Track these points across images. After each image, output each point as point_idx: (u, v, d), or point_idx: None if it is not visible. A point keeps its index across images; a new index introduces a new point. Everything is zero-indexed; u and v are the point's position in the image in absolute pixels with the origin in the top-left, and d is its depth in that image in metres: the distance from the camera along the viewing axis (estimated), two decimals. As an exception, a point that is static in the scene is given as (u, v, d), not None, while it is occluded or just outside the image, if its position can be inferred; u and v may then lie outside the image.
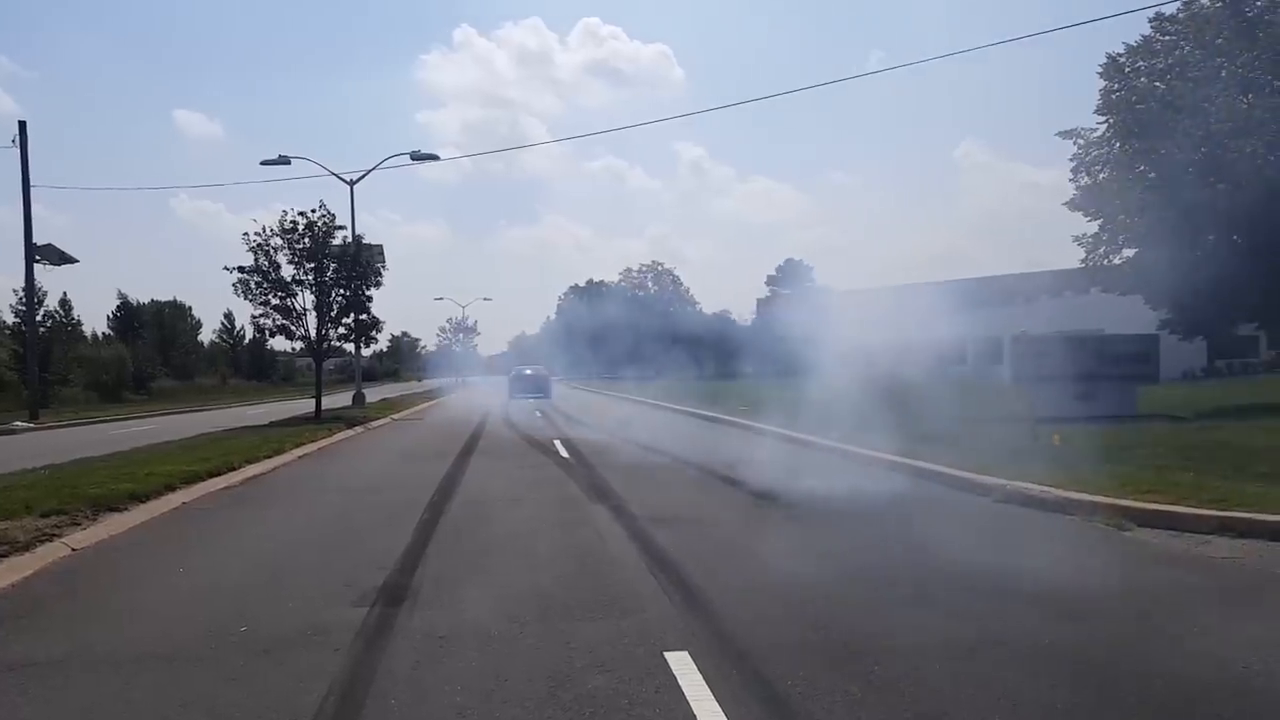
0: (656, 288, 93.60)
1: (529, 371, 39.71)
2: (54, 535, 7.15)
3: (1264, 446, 10.11)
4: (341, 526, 8.06)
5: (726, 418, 20.23)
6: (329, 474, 12.58)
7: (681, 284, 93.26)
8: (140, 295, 64.82)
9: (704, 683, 3.76)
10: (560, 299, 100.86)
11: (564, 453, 14.19)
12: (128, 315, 60.99)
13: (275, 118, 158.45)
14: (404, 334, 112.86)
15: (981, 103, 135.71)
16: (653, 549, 6.53)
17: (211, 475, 11.13)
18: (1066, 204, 21.94)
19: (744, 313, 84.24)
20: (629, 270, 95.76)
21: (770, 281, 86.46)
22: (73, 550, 6.93)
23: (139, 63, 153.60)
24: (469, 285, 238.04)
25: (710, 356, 71.31)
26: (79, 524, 7.67)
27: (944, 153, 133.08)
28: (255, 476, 11.94)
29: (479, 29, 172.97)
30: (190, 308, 69.03)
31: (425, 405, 34.42)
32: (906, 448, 11.42)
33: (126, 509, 8.55)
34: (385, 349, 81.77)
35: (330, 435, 18.43)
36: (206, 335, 73.23)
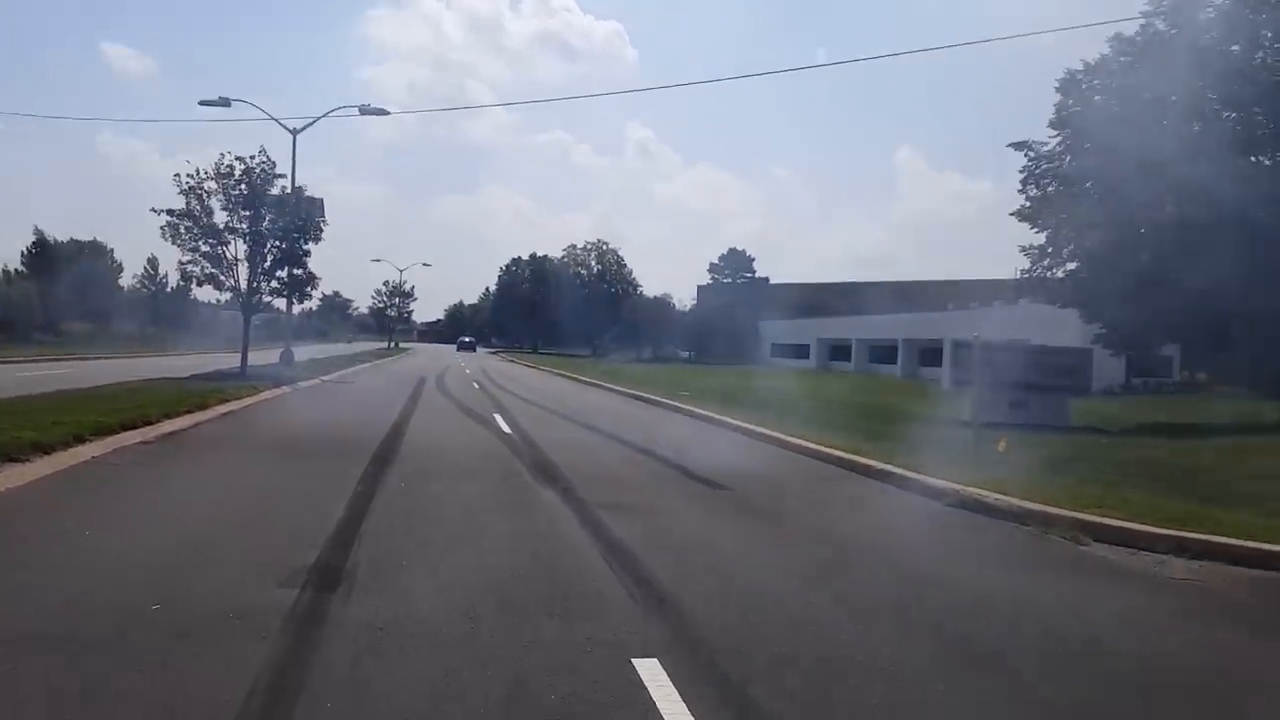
0: (600, 266, 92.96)
1: (467, 339, 78.84)
2: (-58, 486, 6.47)
3: (1203, 466, 10.32)
4: (268, 494, 7.52)
5: (664, 400, 20.10)
6: (255, 435, 11.90)
7: (625, 264, 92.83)
8: (59, 234, 61.16)
9: (670, 684, 3.48)
10: (501, 271, 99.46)
11: (504, 426, 13.81)
12: (44, 253, 57.58)
13: (209, 59, 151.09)
14: (335, 294, 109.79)
15: (920, 109, 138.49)
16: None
17: (126, 428, 10.35)
18: (1015, 214, 22.31)
19: (684, 298, 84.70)
20: (573, 247, 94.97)
21: (712, 269, 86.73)
22: (-37, 504, 6.27)
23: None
24: (407, 249, 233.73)
25: (647, 339, 71.30)
26: (-28, 474, 6.97)
27: (882, 156, 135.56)
28: (173, 433, 11.18)
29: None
30: (112, 250, 65.45)
31: (357, 368, 33.38)
32: (851, 444, 11.35)
33: (28, 460, 7.82)
34: (316, 307, 79.45)
35: (256, 393, 17.58)
36: (127, 280, 69.48)
